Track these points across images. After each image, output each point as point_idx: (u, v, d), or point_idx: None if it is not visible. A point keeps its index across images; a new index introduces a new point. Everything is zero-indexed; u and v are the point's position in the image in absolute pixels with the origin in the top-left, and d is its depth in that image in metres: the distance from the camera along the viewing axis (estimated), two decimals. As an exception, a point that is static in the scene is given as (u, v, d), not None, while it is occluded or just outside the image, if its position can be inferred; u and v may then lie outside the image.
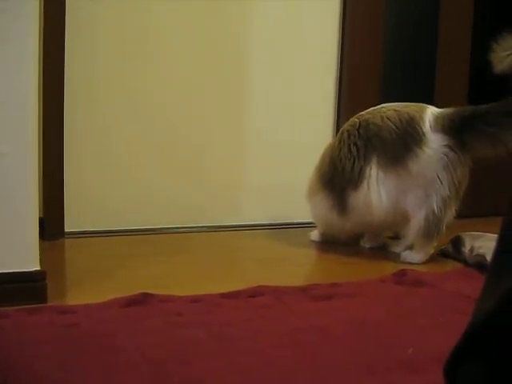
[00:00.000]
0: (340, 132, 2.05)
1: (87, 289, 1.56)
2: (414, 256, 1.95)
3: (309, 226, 2.36)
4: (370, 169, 1.91)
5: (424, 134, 1.84)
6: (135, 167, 2.25)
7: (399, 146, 1.87)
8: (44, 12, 1.94)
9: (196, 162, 2.33)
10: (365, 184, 1.92)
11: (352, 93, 2.46)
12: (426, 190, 1.86)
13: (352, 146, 1.95)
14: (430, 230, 1.88)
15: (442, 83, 2.65)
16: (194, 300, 1.46)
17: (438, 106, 1.97)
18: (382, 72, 2.55)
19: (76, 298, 1.47)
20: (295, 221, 2.47)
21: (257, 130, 2.38)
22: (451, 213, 1.89)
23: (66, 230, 2.14)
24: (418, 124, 1.85)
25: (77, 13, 2.07)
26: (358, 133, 1.95)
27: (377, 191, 1.91)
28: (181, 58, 2.26)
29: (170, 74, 2.25)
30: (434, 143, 1.84)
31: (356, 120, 1.99)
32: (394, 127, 1.88)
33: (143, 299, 1.43)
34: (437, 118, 1.85)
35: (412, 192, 1.88)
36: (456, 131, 1.83)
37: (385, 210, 1.92)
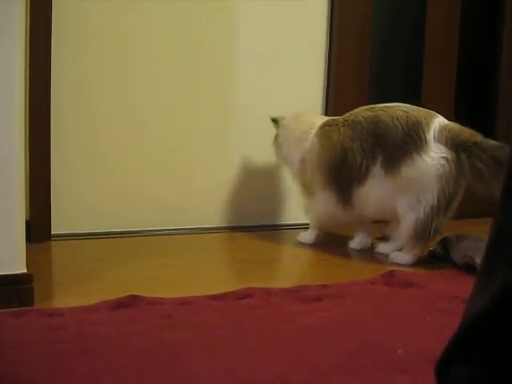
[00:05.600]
0: (351, 119, 2.01)
1: (74, 291, 1.55)
2: (403, 257, 1.96)
3: (297, 227, 2.36)
4: (375, 167, 1.93)
5: (426, 141, 1.85)
6: (122, 169, 2.24)
7: (401, 148, 1.88)
8: (30, 10, 1.93)
9: (182, 163, 2.32)
10: (369, 181, 1.94)
11: (340, 94, 2.46)
12: (417, 196, 1.87)
13: (364, 141, 1.95)
14: (419, 234, 1.90)
15: (429, 83, 2.67)
16: (183, 302, 1.45)
17: (424, 106, 1.98)
18: (370, 73, 2.55)
19: (63, 300, 1.46)
20: (283, 222, 2.47)
21: (243, 131, 2.38)
22: (440, 221, 1.89)
23: (53, 232, 2.13)
24: (422, 130, 1.86)
25: (64, 10, 2.06)
26: (369, 128, 1.95)
27: (376, 189, 1.93)
28: (168, 60, 2.25)
29: (157, 76, 2.24)
30: (434, 152, 1.84)
31: (369, 113, 1.98)
32: (400, 129, 1.88)
33: (131, 301, 1.42)
34: (442, 129, 1.86)
35: (404, 195, 1.90)
36: (456, 148, 1.84)
37: (378, 206, 1.96)
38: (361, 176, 1.96)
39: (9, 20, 1.34)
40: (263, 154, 2.41)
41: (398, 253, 1.98)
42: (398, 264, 1.93)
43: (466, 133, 1.87)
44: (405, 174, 1.87)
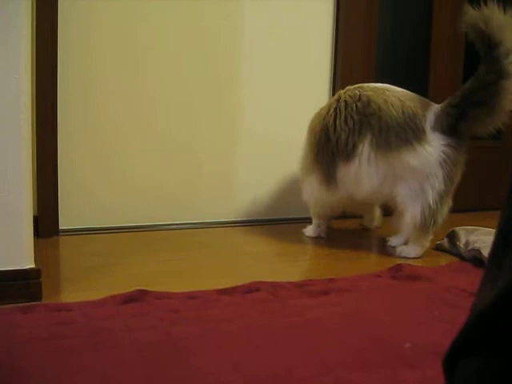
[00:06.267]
0: (335, 99, 2.03)
1: (82, 286, 1.56)
2: (410, 250, 1.95)
3: (303, 221, 2.36)
4: (363, 146, 1.91)
5: (424, 131, 1.84)
6: (129, 164, 2.24)
7: (397, 134, 1.86)
8: (36, 7, 1.94)
9: (189, 158, 2.33)
10: (356, 160, 1.93)
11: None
12: (421, 184, 1.86)
13: (349, 118, 1.94)
14: (426, 223, 1.89)
15: (436, 79, 2.66)
16: (190, 296, 1.46)
17: (432, 94, 1.97)
18: (376, 70, 2.55)
19: (71, 295, 1.47)
20: (289, 216, 2.47)
21: (249, 125, 2.38)
22: (447, 206, 1.89)
23: (61, 227, 2.14)
24: (419, 121, 1.85)
25: (70, 7, 2.07)
26: (356, 106, 1.94)
27: (367, 170, 1.92)
28: (174, 57, 2.25)
29: (163, 73, 2.25)
30: (434, 141, 1.84)
31: (356, 92, 1.97)
32: (395, 115, 1.87)
33: (139, 296, 1.43)
34: (437, 117, 1.85)
35: (405, 183, 1.88)
36: (453, 126, 1.83)
37: (372, 189, 1.95)
38: (347, 153, 1.94)
39: (14, 16, 1.34)
40: (270, 147, 2.41)
41: (405, 246, 1.98)
42: (405, 257, 1.93)
43: (450, 101, 1.85)
44: (406, 162, 1.85)
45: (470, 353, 0.58)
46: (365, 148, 1.91)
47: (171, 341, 1.20)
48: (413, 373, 1.09)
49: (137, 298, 1.42)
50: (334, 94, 2.46)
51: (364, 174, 1.93)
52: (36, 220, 1.98)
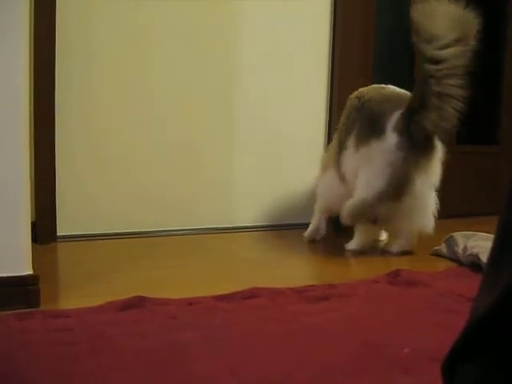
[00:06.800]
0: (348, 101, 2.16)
1: (81, 293, 1.55)
2: (350, 242, 2.06)
3: (302, 227, 2.36)
4: (350, 139, 2.02)
5: (384, 131, 1.93)
6: (128, 170, 2.24)
7: (365, 130, 1.97)
8: (34, 7, 1.93)
9: (188, 164, 2.32)
10: (344, 152, 2.04)
11: (343, 93, 2.47)
12: (368, 178, 1.94)
13: (350, 114, 2.07)
14: (357, 214, 1.97)
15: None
16: (189, 303, 1.45)
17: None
18: (373, 71, 2.56)
19: (69, 302, 1.47)
20: (288, 222, 2.47)
21: (249, 131, 2.38)
22: (385, 205, 1.94)
23: (58, 233, 2.13)
24: (383, 120, 1.94)
25: (68, 7, 2.07)
26: (355, 103, 2.06)
27: (347, 162, 2.03)
28: (173, 59, 2.26)
29: (162, 76, 2.25)
30: (389, 141, 1.91)
31: (361, 90, 2.10)
32: (372, 110, 1.98)
33: (138, 302, 1.42)
34: (397, 119, 1.92)
35: (360, 175, 1.97)
36: (406, 127, 1.89)
37: (352, 183, 2.02)
38: (344, 147, 2.05)
39: (13, 15, 1.34)
40: (270, 153, 2.41)
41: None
42: (348, 250, 2.03)
43: (405, 108, 1.91)
44: (362, 156, 1.95)
45: (468, 358, 0.58)
46: (350, 142, 2.02)
47: (170, 347, 1.20)
48: (410, 378, 1.09)
49: (135, 304, 1.42)
50: (331, 97, 2.48)
51: (346, 164, 2.03)
52: (34, 226, 1.97)
